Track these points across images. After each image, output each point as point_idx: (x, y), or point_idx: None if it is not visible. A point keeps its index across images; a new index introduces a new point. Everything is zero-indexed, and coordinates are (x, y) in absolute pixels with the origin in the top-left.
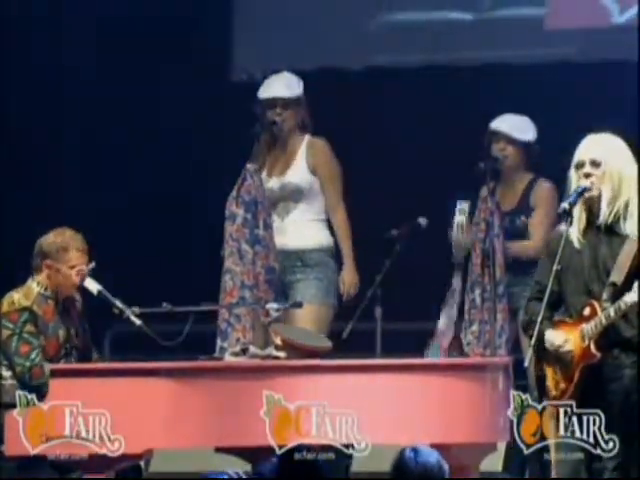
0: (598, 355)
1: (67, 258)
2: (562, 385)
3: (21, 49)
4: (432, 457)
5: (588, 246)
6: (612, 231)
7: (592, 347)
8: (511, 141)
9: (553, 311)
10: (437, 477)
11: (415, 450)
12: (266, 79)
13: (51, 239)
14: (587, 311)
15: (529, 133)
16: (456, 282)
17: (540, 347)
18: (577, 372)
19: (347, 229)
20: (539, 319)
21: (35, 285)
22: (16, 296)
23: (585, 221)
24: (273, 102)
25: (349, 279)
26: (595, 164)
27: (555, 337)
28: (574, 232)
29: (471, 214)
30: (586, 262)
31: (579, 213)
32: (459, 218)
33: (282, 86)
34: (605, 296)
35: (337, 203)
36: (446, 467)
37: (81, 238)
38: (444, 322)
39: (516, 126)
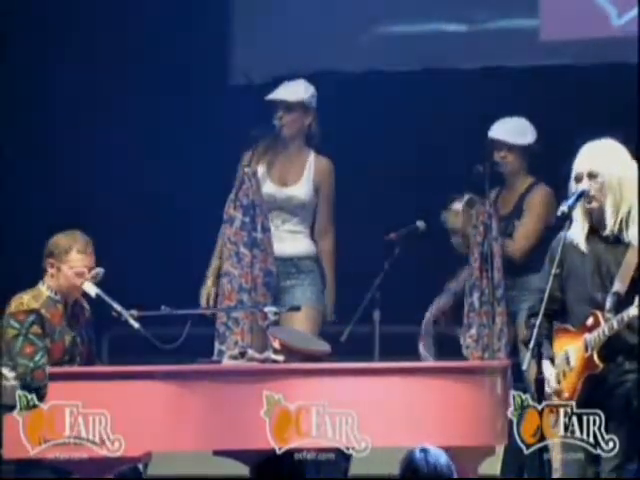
0: (601, 366)
1: (68, 259)
2: (565, 395)
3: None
4: (442, 458)
5: (591, 253)
6: (615, 238)
7: (595, 357)
8: (511, 147)
9: (552, 322)
10: (447, 477)
11: (425, 450)
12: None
13: (57, 239)
14: (590, 321)
15: (528, 136)
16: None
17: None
18: (580, 382)
19: (333, 254)
20: (538, 322)
21: (45, 289)
22: (25, 297)
23: (588, 227)
24: (275, 105)
25: (330, 304)
26: (592, 176)
27: (550, 377)
28: (577, 239)
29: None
30: (589, 269)
31: (582, 220)
32: (456, 205)
33: (287, 90)
34: (608, 306)
35: (329, 226)
36: (454, 468)
37: (86, 240)
38: (445, 295)
39: (514, 131)
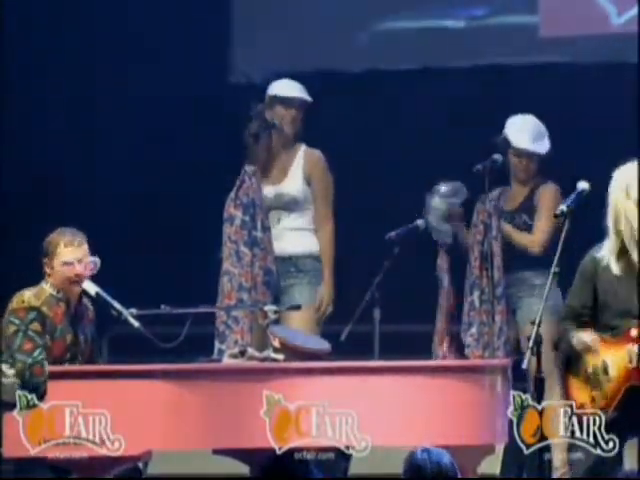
0: None
1: (57, 253)
2: (601, 402)
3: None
4: (445, 456)
5: (628, 271)
6: None
7: None
8: (532, 155)
9: (581, 327)
10: (451, 476)
11: (427, 450)
12: (277, 80)
13: (47, 239)
14: (634, 332)
15: (545, 140)
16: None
17: (571, 363)
18: (621, 392)
19: (332, 246)
20: (537, 321)
21: (47, 286)
22: (27, 294)
23: (619, 245)
24: (292, 102)
25: (328, 297)
26: None
27: (585, 335)
28: (611, 259)
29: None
30: (628, 288)
31: (615, 240)
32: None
33: (302, 89)
34: None
35: (327, 217)
36: (457, 466)
37: (73, 234)
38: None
39: (537, 138)
